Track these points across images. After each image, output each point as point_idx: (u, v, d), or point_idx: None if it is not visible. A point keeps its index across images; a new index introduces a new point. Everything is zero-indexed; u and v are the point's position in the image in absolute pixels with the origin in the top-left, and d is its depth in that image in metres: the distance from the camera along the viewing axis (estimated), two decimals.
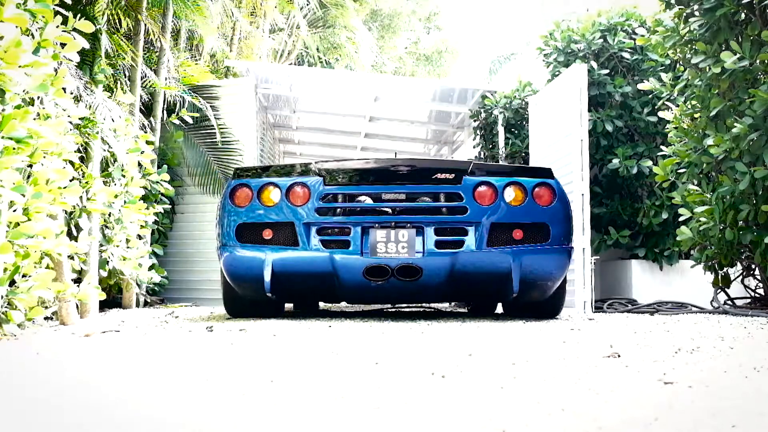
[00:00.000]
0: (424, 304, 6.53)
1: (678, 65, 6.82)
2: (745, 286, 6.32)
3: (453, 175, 4.47)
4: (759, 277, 6.17)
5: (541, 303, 4.81)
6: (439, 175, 4.48)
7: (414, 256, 4.30)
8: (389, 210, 4.43)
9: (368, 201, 4.46)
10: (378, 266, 4.29)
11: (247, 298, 4.68)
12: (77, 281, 4.99)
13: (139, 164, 6.32)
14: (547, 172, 4.64)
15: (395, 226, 4.33)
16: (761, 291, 6.28)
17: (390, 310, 6.35)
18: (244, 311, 4.85)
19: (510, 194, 4.45)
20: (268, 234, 4.39)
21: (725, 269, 6.18)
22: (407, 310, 6.81)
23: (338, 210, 4.43)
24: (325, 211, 4.42)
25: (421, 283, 4.33)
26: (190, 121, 7.57)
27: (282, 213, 4.40)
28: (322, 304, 7.27)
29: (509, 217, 4.41)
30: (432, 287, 4.42)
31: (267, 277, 4.32)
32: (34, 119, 3.73)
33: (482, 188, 4.42)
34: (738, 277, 6.26)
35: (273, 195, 4.41)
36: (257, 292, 4.45)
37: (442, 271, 4.33)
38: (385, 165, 4.60)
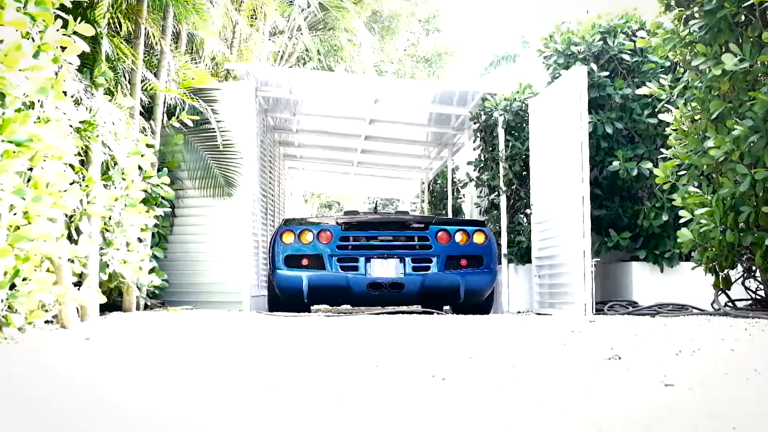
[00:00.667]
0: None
1: (678, 67, 6.82)
2: (746, 288, 6.31)
3: (423, 225, 6.75)
4: (760, 279, 6.16)
5: (478, 305, 7.01)
6: (414, 225, 6.77)
7: (399, 276, 6.51)
8: (383, 246, 6.62)
9: (369, 241, 6.64)
10: (376, 282, 6.50)
11: (287, 301, 6.82)
12: (77, 284, 4.99)
13: (140, 167, 6.32)
14: (482, 223, 7.03)
15: (386, 257, 6.54)
16: (762, 293, 6.27)
17: (390, 314, 6.55)
18: (282, 309, 6.98)
19: (459, 237, 6.69)
20: (305, 261, 6.60)
21: (726, 271, 6.17)
22: (407, 314, 6.89)
23: (350, 247, 6.61)
24: (342, 247, 6.59)
25: (403, 293, 6.55)
26: (191, 124, 7.56)
27: (314, 248, 6.60)
28: (325, 307, 9.19)
29: (458, 251, 6.65)
30: (411, 296, 6.63)
31: (305, 289, 6.49)
32: (35, 123, 3.73)
33: (441, 233, 6.67)
34: (739, 279, 6.25)
35: (308, 237, 6.62)
36: (297, 298, 6.64)
37: (416, 285, 6.53)
38: (380, 219, 7.32)
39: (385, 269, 6.46)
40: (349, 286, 6.46)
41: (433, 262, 6.55)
